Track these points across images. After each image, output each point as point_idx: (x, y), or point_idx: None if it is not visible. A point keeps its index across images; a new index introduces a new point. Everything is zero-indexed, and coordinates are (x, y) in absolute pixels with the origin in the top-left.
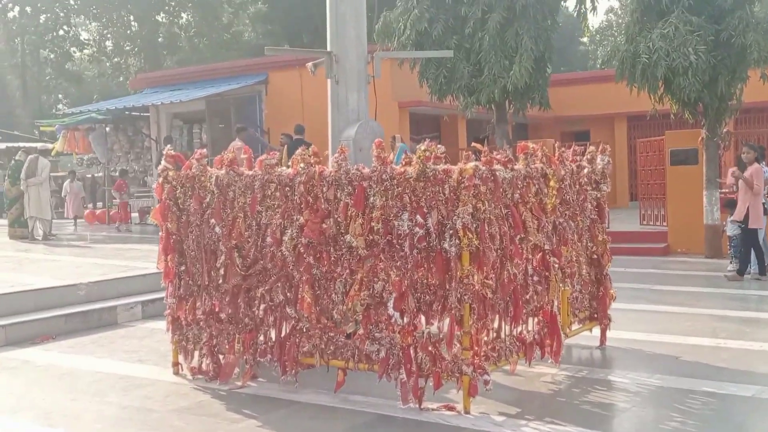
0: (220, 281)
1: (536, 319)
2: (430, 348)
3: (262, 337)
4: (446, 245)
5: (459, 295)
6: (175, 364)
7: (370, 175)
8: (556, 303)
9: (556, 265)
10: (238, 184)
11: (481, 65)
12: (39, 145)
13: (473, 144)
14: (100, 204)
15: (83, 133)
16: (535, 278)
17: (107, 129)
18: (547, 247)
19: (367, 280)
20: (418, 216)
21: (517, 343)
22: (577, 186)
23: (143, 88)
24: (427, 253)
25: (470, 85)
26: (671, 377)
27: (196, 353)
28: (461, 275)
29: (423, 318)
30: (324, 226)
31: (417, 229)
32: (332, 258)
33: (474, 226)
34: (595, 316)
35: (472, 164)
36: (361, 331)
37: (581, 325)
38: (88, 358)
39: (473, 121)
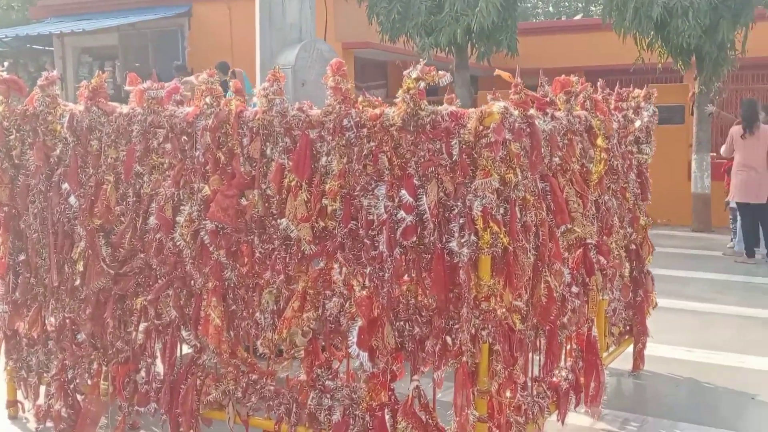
0: (77, 282)
1: (567, 348)
2: (419, 414)
3: (143, 373)
4: (454, 243)
5: (474, 329)
6: (12, 403)
7: (322, 119)
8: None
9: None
10: (106, 129)
11: (442, 0)
12: None
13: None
14: None
15: None
16: (574, 289)
17: (5, 65)
18: (590, 240)
19: (315, 293)
20: (403, 192)
21: (548, 393)
22: (623, 147)
23: (46, 17)
24: (417, 255)
25: (428, 23)
26: None
27: (43, 388)
28: (478, 295)
29: (408, 363)
30: (243, 202)
31: (402, 213)
32: (256, 255)
33: (501, 211)
34: (629, 328)
35: (499, 105)
36: (302, 377)
37: (616, 346)
38: None
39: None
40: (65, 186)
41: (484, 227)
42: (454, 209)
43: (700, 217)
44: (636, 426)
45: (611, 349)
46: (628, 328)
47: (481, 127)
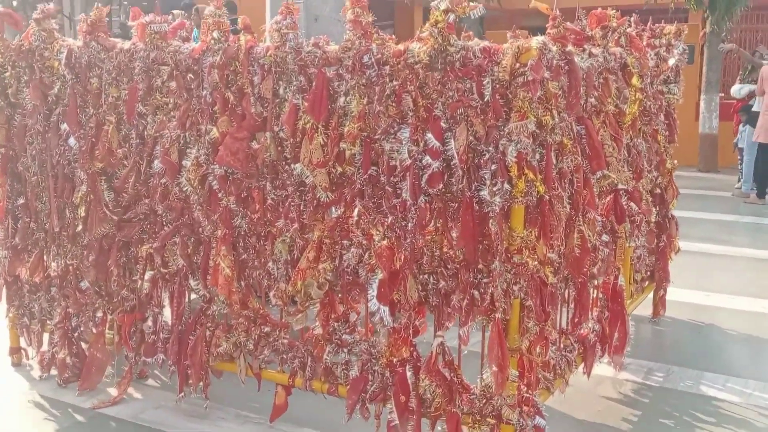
0: (79, 228)
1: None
2: (443, 371)
3: (150, 323)
4: (485, 192)
5: (505, 284)
6: (16, 350)
7: (340, 56)
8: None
9: (639, 216)
10: (106, 66)
11: None
12: None
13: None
14: None
15: None
16: (604, 238)
17: (14, 3)
18: (621, 185)
19: (331, 243)
20: (429, 135)
21: (576, 346)
22: (654, 87)
23: None
24: (444, 204)
25: None
26: None
27: (47, 335)
28: (510, 247)
29: (432, 318)
30: (255, 145)
31: (428, 158)
32: (269, 202)
33: (537, 157)
34: (650, 273)
35: (537, 40)
36: (317, 330)
37: (639, 293)
38: None
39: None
40: (64, 126)
41: (518, 174)
42: (485, 155)
43: (706, 157)
44: (661, 376)
45: (634, 297)
46: (649, 273)
47: (518, 65)
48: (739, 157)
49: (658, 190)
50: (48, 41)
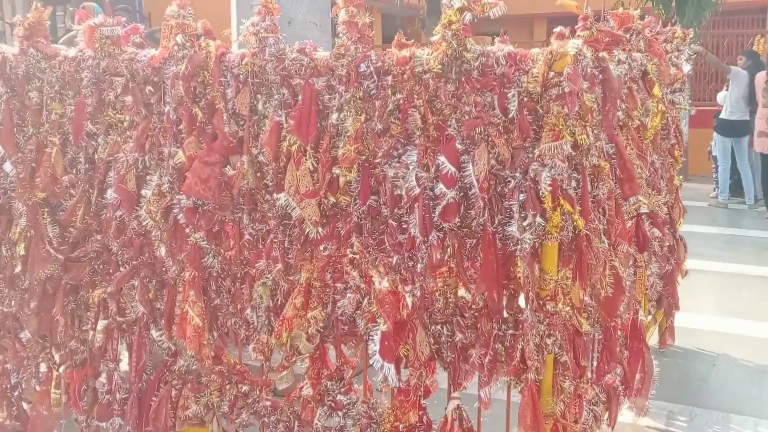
0: (18, 269)
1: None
2: None
3: (104, 380)
4: (513, 228)
5: (538, 337)
6: None
7: (332, 64)
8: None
9: (656, 242)
10: (48, 78)
11: None
12: None
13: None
14: None
15: None
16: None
17: None
18: (644, 209)
19: (322, 287)
20: (442, 159)
21: (602, 396)
22: (667, 97)
23: None
24: (460, 240)
25: None
26: None
27: None
28: (542, 292)
29: (446, 376)
30: (229, 171)
31: (441, 186)
32: (246, 238)
33: (573, 184)
34: (656, 301)
35: (574, 44)
36: (306, 390)
37: (652, 324)
38: None
39: (389, 16)
40: None
41: (552, 206)
42: (509, 182)
43: None
44: (684, 420)
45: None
46: (656, 301)
47: (552, 74)
48: (714, 165)
49: (665, 209)
50: None
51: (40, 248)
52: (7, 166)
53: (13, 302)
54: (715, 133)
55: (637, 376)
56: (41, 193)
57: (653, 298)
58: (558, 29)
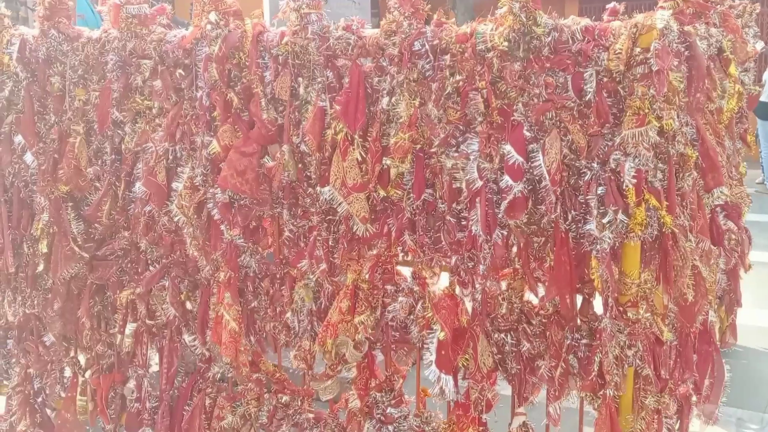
0: (40, 267)
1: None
2: None
3: (132, 387)
4: (591, 226)
5: (618, 346)
6: None
7: (382, 42)
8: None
9: (732, 238)
10: (71, 61)
11: None
12: None
13: None
14: None
15: None
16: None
17: None
18: (719, 200)
19: (371, 289)
20: (508, 147)
21: (674, 406)
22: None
23: None
24: (527, 239)
25: None
26: None
27: (3, 399)
28: (622, 298)
29: (511, 388)
30: (268, 162)
31: (506, 179)
32: (286, 235)
33: (659, 176)
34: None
35: (663, 15)
36: (353, 402)
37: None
38: None
39: None
40: (18, 139)
41: (636, 201)
42: (585, 173)
43: None
44: (756, 428)
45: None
46: (718, 297)
47: (638, 50)
48: (760, 150)
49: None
50: None
51: (64, 246)
52: (28, 158)
53: (35, 303)
54: (757, 118)
55: (706, 382)
56: (64, 187)
57: (717, 295)
58: (611, 5)
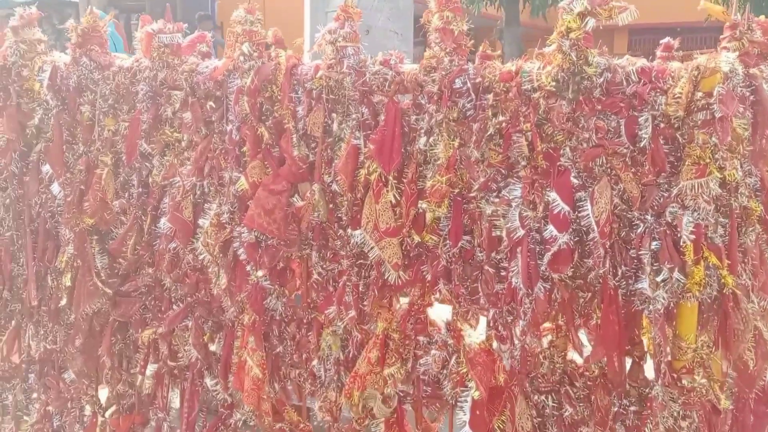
0: (63, 301)
1: None
2: None
3: (153, 428)
4: (644, 284)
5: (671, 417)
6: None
7: (421, 78)
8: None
9: None
10: (101, 90)
11: None
12: None
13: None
14: None
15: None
16: None
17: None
18: None
19: (402, 339)
20: (554, 195)
21: None
22: None
23: None
24: (572, 294)
25: None
26: None
27: None
28: (676, 363)
29: None
30: (297, 202)
31: (551, 228)
32: (314, 278)
33: (720, 230)
34: None
35: (728, 57)
36: None
37: None
38: None
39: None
40: (46, 168)
41: (695, 258)
42: (638, 226)
43: None
44: None
45: None
46: None
47: (699, 94)
48: None
49: None
50: (28, 57)
51: (87, 280)
52: (55, 188)
53: (57, 338)
54: None
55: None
56: (90, 219)
57: None
58: (665, 40)
